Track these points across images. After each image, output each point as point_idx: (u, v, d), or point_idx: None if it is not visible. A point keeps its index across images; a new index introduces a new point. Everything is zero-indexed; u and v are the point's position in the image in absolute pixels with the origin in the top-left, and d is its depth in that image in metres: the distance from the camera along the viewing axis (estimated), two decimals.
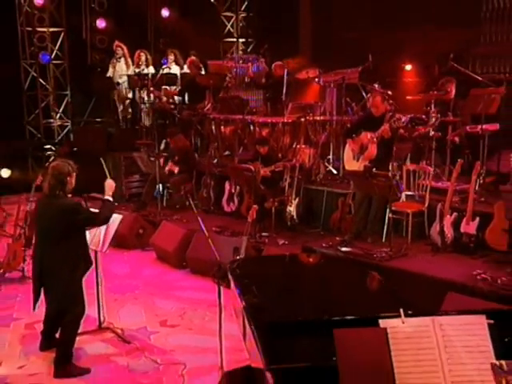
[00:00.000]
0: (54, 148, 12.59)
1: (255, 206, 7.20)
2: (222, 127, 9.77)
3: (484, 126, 7.72)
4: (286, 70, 9.30)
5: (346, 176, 8.06)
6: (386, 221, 7.29)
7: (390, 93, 8.36)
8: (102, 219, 5.40)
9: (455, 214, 6.93)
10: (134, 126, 11.94)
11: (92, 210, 5.55)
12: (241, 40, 14.76)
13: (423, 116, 7.98)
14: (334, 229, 7.89)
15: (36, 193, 8.02)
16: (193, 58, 11.07)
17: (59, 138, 12.69)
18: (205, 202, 9.43)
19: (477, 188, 6.98)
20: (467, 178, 7.22)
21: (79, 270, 5.32)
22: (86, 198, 6.27)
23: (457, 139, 8.00)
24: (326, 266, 5.34)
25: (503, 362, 2.99)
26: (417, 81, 10.53)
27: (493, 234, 6.55)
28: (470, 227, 6.79)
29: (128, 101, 12.01)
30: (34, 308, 5.41)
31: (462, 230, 6.85)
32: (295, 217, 8.19)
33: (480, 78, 8.22)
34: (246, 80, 10.47)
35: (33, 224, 7.70)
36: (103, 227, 5.67)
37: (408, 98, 9.19)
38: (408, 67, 10.64)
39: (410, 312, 3.10)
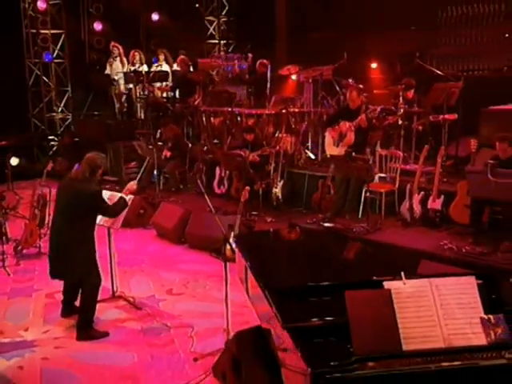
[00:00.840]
0: (56, 139, 12.40)
1: (247, 187, 7.19)
2: (212, 118, 9.71)
3: (445, 116, 7.84)
4: (269, 67, 9.27)
5: (328, 160, 8.06)
6: (362, 200, 7.39)
7: (362, 87, 8.44)
8: (113, 213, 5.39)
9: (422, 192, 7.04)
10: (130, 118, 11.79)
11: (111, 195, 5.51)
12: (222, 42, 14.66)
13: (392, 107, 8.05)
14: (315, 207, 7.93)
15: (47, 178, 7.97)
16: (182, 56, 10.98)
17: (61, 129, 12.50)
18: (197, 186, 9.39)
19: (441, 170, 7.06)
20: (431, 162, 7.36)
21: (93, 246, 5.29)
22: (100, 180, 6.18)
23: (420, 128, 8.11)
24: (318, 238, 5.41)
25: (491, 316, 3.06)
26: (381, 77, 10.58)
27: (456, 209, 6.68)
28: (435, 204, 6.91)
29: (124, 96, 11.85)
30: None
31: (428, 206, 6.97)
32: (280, 197, 8.21)
33: (442, 74, 8.32)
34: (231, 76, 10.37)
35: (45, 205, 7.66)
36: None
37: (375, 91, 9.28)
38: (374, 65, 10.69)
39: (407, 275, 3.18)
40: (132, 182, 5.60)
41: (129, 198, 5.53)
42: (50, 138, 12.24)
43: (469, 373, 2.91)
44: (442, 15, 10.38)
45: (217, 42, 14.75)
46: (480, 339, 2.99)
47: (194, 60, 11.38)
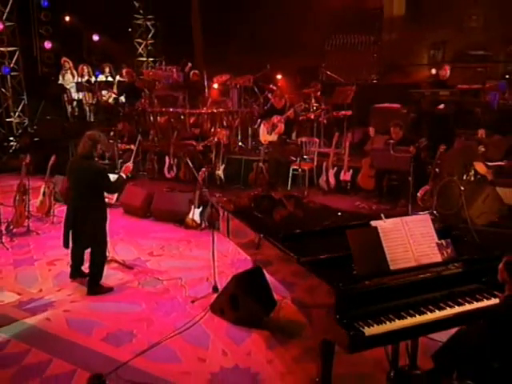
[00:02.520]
0: (14, 139, 11.50)
1: (204, 169, 7.16)
2: (158, 117, 9.46)
3: (343, 112, 8.26)
4: (205, 76, 9.20)
5: (256, 147, 8.20)
6: (290, 176, 7.62)
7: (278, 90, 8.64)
8: (114, 189, 5.20)
9: (336, 168, 7.40)
10: (81, 120, 11.19)
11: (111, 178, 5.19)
12: (150, 59, 14.33)
13: (306, 105, 8.33)
14: (251, 184, 8.03)
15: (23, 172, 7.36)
16: (128, 69, 10.65)
17: (19, 132, 11.60)
18: (150, 172, 9.16)
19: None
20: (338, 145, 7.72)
21: (105, 218, 5.06)
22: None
23: (325, 121, 8.47)
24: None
25: (443, 241, 3.37)
26: (285, 84, 10.86)
27: (363, 179, 7.10)
28: (346, 176, 7.30)
29: (75, 102, 11.22)
30: (67, 246, 5.08)
31: (341, 178, 7.34)
32: (223, 178, 8.24)
33: (342, 80, 8.73)
34: (171, 82, 10.13)
35: (25, 193, 7.12)
36: None
37: (287, 95, 9.52)
38: (279, 76, 10.93)
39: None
40: (128, 163, 5.36)
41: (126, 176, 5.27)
42: (10, 139, 11.32)
43: (434, 280, 3.21)
44: (329, 43, 10.88)
45: (145, 59, 14.39)
46: (437, 257, 3.29)
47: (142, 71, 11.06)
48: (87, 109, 11.29)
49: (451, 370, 3.10)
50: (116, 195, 5.46)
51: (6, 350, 3.98)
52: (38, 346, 4.03)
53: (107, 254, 5.75)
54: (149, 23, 14.24)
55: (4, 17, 10.62)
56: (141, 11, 14.08)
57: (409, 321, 3.01)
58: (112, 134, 9.59)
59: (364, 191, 7.06)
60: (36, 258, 5.94)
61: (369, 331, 2.87)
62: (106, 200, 5.48)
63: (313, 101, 8.02)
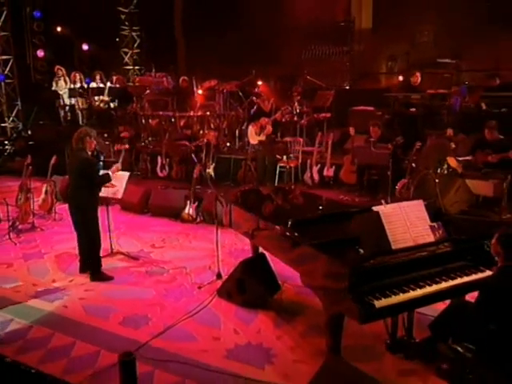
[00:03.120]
0: (9, 143, 11.18)
1: (198, 166, 7.15)
2: (150, 120, 9.38)
3: (323, 114, 8.40)
4: (194, 81, 9.18)
5: (243, 147, 8.22)
6: (277, 172, 7.69)
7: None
8: (98, 182, 5.05)
9: (319, 165, 7.52)
10: (73, 124, 10.97)
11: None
12: (136, 67, 14.19)
13: (290, 108, 8.41)
14: (240, 181, 8.07)
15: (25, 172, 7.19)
16: (118, 76, 10.54)
17: (14, 135, 11.30)
18: (143, 172, 9.07)
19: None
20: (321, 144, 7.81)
21: (93, 207, 4.99)
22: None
23: (306, 123, 8.57)
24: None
25: (435, 224, 3.51)
26: (266, 90, 10.88)
27: (345, 174, 7.22)
28: (329, 172, 7.41)
29: (67, 107, 11.01)
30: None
31: (324, 174, 7.45)
32: (213, 175, 8.22)
33: (324, 85, 8.87)
34: (161, 88, 10.07)
35: (28, 191, 6.97)
36: (121, 182, 5.39)
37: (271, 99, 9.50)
38: (259, 82, 10.96)
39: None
40: (117, 164, 5.35)
41: (116, 174, 5.26)
42: (5, 143, 11.00)
43: (430, 258, 3.34)
44: (306, 54, 11.01)
45: (131, 67, 14.23)
46: (431, 238, 3.43)
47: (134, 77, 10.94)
48: (79, 113, 11.08)
49: (447, 336, 3.24)
50: (122, 192, 5.39)
51: (31, 335, 3.91)
52: (60, 330, 3.98)
53: (113, 247, 5.77)
54: (134, 34, 14.11)
55: None
56: (126, 23, 13.94)
57: (411, 294, 3.13)
58: (106, 135, 9.49)
59: (346, 185, 7.20)
60: (44, 252, 5.82)
61: (378, 304, 2.98)
62: (112, 195, 5.41)
63: (296, 104, 8.12)
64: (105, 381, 3.34)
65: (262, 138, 7.60)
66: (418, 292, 3.15)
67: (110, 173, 5.17)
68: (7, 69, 10.84)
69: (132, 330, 4.01)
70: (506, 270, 2.86)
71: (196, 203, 7.00)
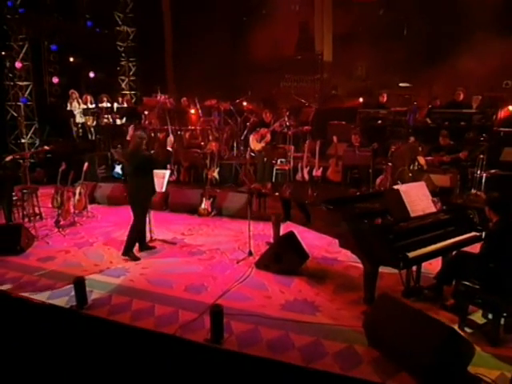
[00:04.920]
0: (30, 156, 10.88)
1: (212, 169, 7.36)
2: (159, 134, 9.47)
3: (306, 127, 8.83)
4: (197, 101, 9.40)
5: (241, 154, 8.47)
6: (274, 174, 8.00)
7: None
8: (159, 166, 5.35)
9: (309, 167, 7.90)
10: (85, 140, 10.88)
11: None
12: (132, 92, 14.18)
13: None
14: (241, 183, 8.29)
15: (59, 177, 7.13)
16: (127, 97, 10.66)
17: (31, 150, 11.03)
18: None
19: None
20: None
21: (147, 198, 5.26)
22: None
23: (292, 133, 8.93)
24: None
25: (435, 198, 3.99)
26: (250, 108, 11.12)
27: (332, 174, 7.61)
28: (318, 173, 7.77)
29: (80, 125, 10.91)
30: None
31: (313, 174, 7.81)
32: (218, 178, 8.41)
33: (307, 103, 9.33)
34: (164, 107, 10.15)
35: (63, 194, 6.93)
36: (162, 178, 5.55)
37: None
38: (245, 103, 11.27)
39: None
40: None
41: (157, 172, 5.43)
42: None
43: (436, 223, 3.82)
44: (284, 80, 11.44)
45: (127, 92, 14.21)
46: (433, 208, 3.91)
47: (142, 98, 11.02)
48: (91, 130, 11.02)
49: (451, 280, 3.71)
50: (165, 186, 5.55)
51: (113, 302, 4.02)
52: (136, 297, 4.10)
53: (152, 235, 5.87)
54: (130, 64, 14.17)
55: (20, 57, 10.35)
56: (123, 54, 14.02)
57: (429, 248, 3.60)
58: (119, 146, 9.52)
59: (333, 183, 7.61)
60: (92, 242, 5.84)
61: (411, 255, 3.41)
62: (157, 189, 5.55)
63: (286, 118, 8.52)
64: (192, 330, 3.53)
65: (262, 145, 7.93)
66: (433, 247, 3.64)
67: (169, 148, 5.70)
68: (27, 93, 10.71)
69: (196, 294, 4.20)
70: (499, 223, 3.37)
71: (211, 199, 7.21)
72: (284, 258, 4.61)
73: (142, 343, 3.34)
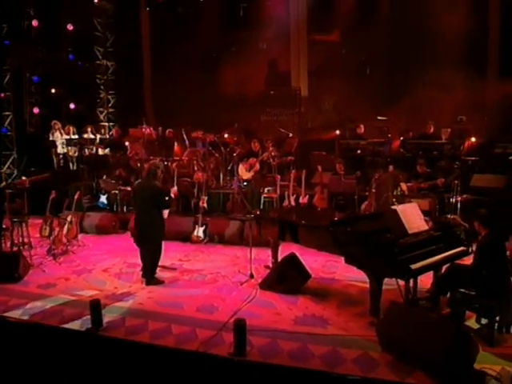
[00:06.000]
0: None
1: (204, 198, 7.59)
2: (145, 164, 9.62)
3: (289, 158, 9.30)
4: (183, 132, 9.70)
5: (228, 183, 8.81)
6: (262, 202, 8.33)
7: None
8: (167, 205, 5.44)
9: (296, 195, 8.27)
10: (66, 169, 10.87)
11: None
12: (110, 124, 14.37)
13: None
14: (229, 211, 8.52)
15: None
16: (117, 129, 10.96)
17: (8, 181, 10.88)
18: None
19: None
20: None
21: (162, 225, 5.34)
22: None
23: (277, 164, 9.33)
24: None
25: (427, 218, 4.47)
26: (231, 139, 11.45)
27: (318, 201, 7.93)
28: (304, 200, 8.14)
29: (61, 155, 10.93)
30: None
31: (300, 201, 8.17)
32: (206, 207, 8.60)
33: (290, 135, 9.87)
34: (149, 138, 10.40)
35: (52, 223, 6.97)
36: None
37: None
38: (226, 135, 11.62)
39: None
40: (173, 188, 5.89)
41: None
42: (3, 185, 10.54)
43: (429, 239, 4.26)
44: (265, 113, 12.01)
45: (106, 124, 14.39)
46: (426, 226, 4.35)
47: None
48: (73, 160, 11.04)
49: (447, 290, 4.11)
50: (168, 211, 5.71)
51: (128, 324, 4.10)
52: (150, 318, 4.20)
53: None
54: (109, 96, 14.42)
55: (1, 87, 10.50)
56: (102, 87, 14.28)
57: (427, 261, 4.01)
58: (105, 177, 9.60)
59: (319, 209, 8.01)
60: (89, 268, 5.86)
61: (414, 267, 3.79)
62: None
63: (271, 149, 8.96)
64: (214, 346, 3.68)
65: (251, 174, 8.29)
66: (430, 260, 4.06)
67: (171, 195, 5.64)
68: (6, 123, 10.72)
69: (208, 314, 4.36)
70: (489, 235, 3.85)
71: (203, 226, 7.41)
72: (287, 277, 4.87)
73: (164, 361, 3.45)
